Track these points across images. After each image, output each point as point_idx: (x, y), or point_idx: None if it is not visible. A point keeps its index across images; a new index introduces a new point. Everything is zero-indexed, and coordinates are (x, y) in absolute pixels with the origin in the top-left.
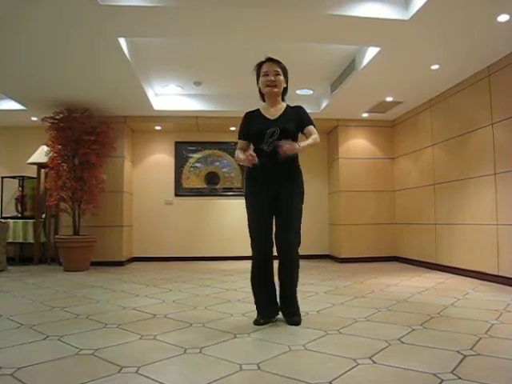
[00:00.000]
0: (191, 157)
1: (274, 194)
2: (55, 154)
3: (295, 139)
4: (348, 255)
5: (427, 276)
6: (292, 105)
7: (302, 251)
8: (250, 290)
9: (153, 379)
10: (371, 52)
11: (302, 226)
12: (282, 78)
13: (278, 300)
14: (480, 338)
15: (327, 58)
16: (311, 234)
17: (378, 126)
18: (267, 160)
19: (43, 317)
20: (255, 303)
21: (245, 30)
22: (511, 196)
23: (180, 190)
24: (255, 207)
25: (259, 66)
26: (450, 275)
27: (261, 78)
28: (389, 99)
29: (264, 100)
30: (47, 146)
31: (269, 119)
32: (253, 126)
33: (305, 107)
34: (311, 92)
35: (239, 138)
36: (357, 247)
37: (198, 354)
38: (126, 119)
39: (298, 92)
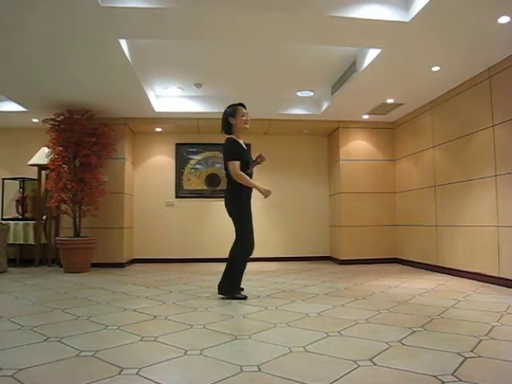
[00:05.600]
0: (192, 158)
1: None
2: (56, 156)
3: None
4: (349, 257)
5: (428, 278)
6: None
7: (302, 253)
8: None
9: (153, 381)
10: (372, 54)
11: (303, 227)
12: None
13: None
14: (481, 340)
15: (328, 60)
16: (312, 236)
17: (378, 127)
18: None
19: (44, 318)
20: (239, 280)
21: (245, 33)
22: None
23: (181, 192)
24: (249, 215)
25: (237, 107)
26: (451, 277)
27: (242, 118)
28: (389, 101)
29: (231, 133)
30: (48, 147)
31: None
32: (243, 153)
33: (305, 109)
34: (312, 94)
35: (238, 159)
36: (357, 249)
37: (198, 355)
38: (126, 121)
39: (298, 94)
